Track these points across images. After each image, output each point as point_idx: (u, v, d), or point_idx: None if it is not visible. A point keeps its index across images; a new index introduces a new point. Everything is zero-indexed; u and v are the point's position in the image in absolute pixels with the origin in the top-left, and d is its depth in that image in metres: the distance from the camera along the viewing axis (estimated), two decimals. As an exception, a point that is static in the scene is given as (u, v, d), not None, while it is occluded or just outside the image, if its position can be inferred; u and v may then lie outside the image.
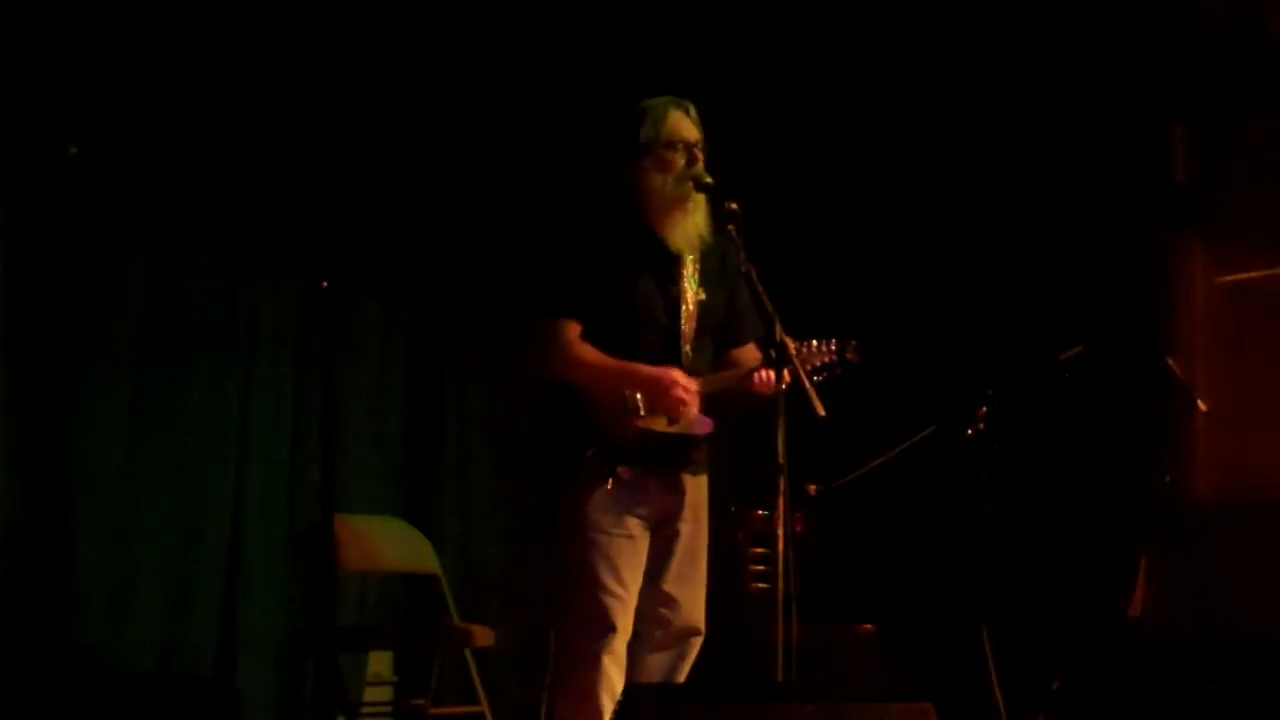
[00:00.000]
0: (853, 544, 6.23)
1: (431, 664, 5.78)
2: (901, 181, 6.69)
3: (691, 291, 4.38)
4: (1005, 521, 5.61)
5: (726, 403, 4.39)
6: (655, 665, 4.37)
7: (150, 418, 5.46)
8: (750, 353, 4.46)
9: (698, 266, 4.39)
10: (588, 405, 4.28)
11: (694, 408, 4.28)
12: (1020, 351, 5.87)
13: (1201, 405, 5.65)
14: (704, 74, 5.47)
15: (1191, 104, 6.37)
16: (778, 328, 4.16)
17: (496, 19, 6.18)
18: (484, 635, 5.59)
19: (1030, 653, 5.66)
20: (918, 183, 6.67)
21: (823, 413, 4.10)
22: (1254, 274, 6.25)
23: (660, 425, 4.29)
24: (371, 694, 5.84)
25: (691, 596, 4.41)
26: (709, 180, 4.30)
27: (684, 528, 4.39)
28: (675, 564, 4.38)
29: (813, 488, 5.83)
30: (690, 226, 4.34)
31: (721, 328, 4.45)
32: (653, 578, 4.36)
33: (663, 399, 4.26)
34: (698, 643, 4.42)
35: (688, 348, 4.36)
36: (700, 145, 4.34)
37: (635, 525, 4.31)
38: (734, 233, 4.23)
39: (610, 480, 4.26)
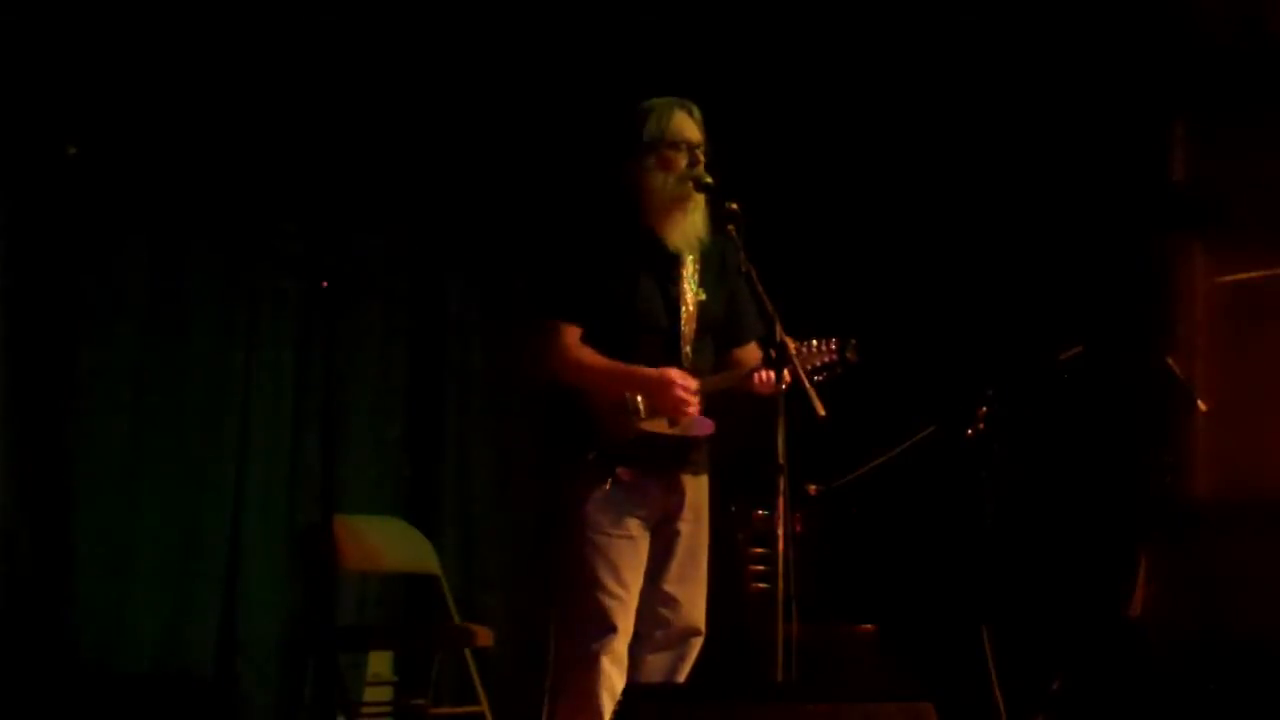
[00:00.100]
0: (853, 544, 6.23)
1: (431, 664, 5.78)
2: (901, 181, 6.68)
3: (691, 292, 4.38)
4: (1005, 521, 5.61)
5: (726, 403, 4.39)
6: (655, 666, 4.36)
7: (150, 418, 5.46)
8: (751, 352, 4.45)
9: (697, 267, 4.39)
10: (588, 408, 4.28)
11: (695, 407, 4.28)
12: (1020, 351, 5.87)
13: (1201, 405, 5.65)
14: (704, 74, 5.47)
15: (1191, 104, 6.36)
16: (778, 327, 4.16)
17: (497, 19, 6.18)
18: (484, 635, 5.59)
19: (1030, 653, 5.66)
20: (917, 183, 6.66)
21: (823, 412, 4.10)
22: (1254, 274, 6.25)
23: (660, 427, 4.29)
24: (371, 694, 5.83)
25: (692, 597, 4.41)
26: (709, 180, 4.30)
27: (684, 528, 4.39)
28: (675, 564, 4.38)
29: (813, 488, 5.83)
30: (690, 227, 4.34)
31: (722, 328, 4.45)
32: (653, 578, 4.35)
33: (663, 399, 4.25)
34: (698, 643, 4.42)
35: (688, 349, 4.36)
36: (703, 148, 4.34)
37: (635, 526, 4.31)
38: (734, 233, 4.23)
39: (610, 481, 4.26)
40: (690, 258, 4.38)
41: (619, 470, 4.26)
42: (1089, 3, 6.35)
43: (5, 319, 5.17)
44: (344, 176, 5.89)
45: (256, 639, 5.62)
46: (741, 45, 6.53)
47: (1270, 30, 6.16)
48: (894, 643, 5.95)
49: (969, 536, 5.68)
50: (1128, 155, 6.32)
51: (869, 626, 5.96)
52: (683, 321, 4.36)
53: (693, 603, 4.41)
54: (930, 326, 6.53)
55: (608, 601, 4.25)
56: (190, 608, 5.53)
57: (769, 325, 4.19)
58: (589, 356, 4.29)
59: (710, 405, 4.34)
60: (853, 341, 4.33)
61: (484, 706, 5.71)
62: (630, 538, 4.30)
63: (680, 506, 4.38)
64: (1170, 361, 5.66)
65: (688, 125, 4.35)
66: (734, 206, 4.24)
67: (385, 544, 5.77)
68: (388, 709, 5.81)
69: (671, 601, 4.37)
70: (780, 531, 4.12)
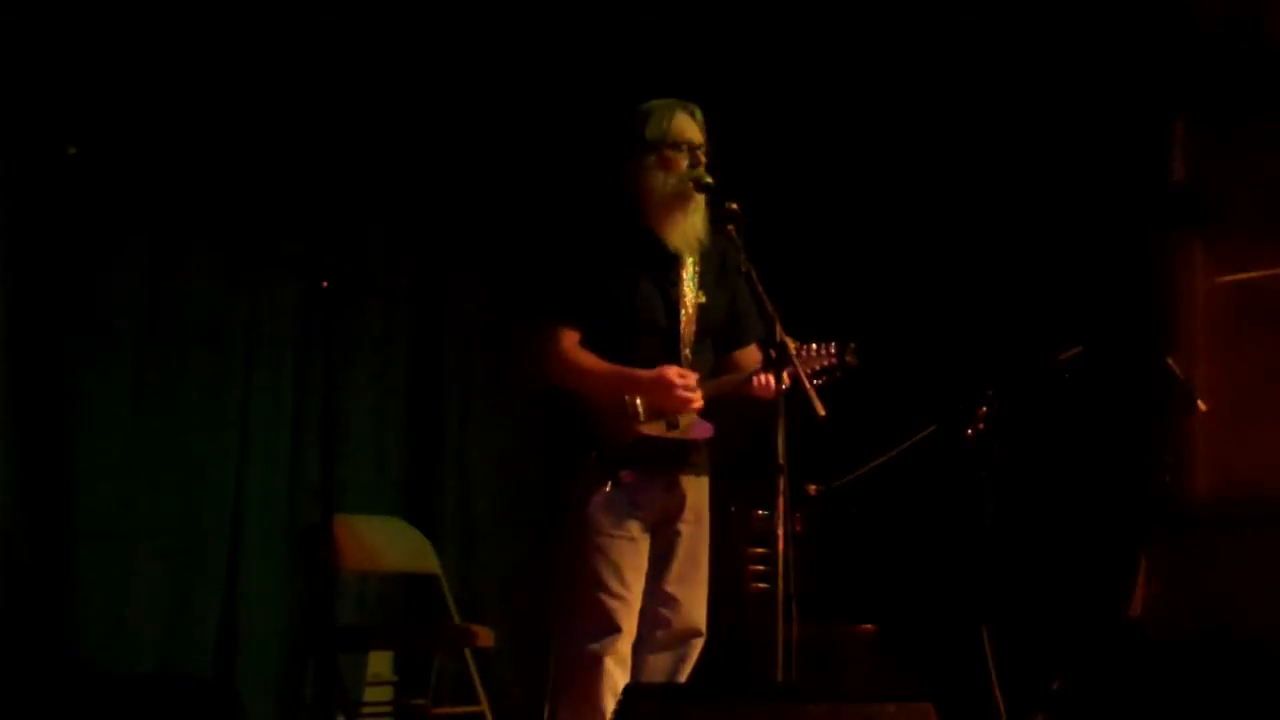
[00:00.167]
0: (853, 544, 6.23)
1: (431, 664, 5.79)
2: (901, 182, 6.69)
3: (691, 294, 4.37)
4: (1005, 521, 5.61)
5: (727, 404, 4.39)
6: (656, 666, 4.36)
7: (150, 417, 5.47)
8: (752, 354, 4.45)
9: (697, 268, 4.39)
10: (587, 411, 4.28)
11: (697, 400, 4.28)
12: (1020, 351, 5.87)
13: (1201, 405, 5.65)
14: (704, 74, 5.48)
15: (1191, 104, 6.36)
16: (778, 328, 4.16)
17: (497, 20, 6.18)
18: (484, 635, 5.59)
19: (1030, 653, 5.66)
20: (917, 183, 6.67)
21: (823, 413, 4.10)
22: (1254, 274, 6.25)
23: (659, 430, 4.28)
24: (371, 694, 5.84)
25: (692, 597, 4.40)
26: (709, 180, 4.30)
27: (685, 529, 4.39)
28: (676, 565, 4.38)
29: (813, 488, 5.83)
30: (690, 228, 4.33)
31: (722, 329, 4.44)
32: (654, 579, 4.35)
33: (664, 399, 4.25)
34: (699, 644, 4.41)
35: (687, 350, 4.35)
36: (704, 149, 4.33)
37: (636, 527, 4.31)
38: (734, 233, 4.23)
39: (611, 483, 4.26)
40: (690, 259, 4.38)
41: (620, 472, 4.26)
42: (1089, 3, 6.35)
43: (5, 319, 5.17)
44: (344, 177, 5.90)
45: (256, 639, 5.62)
46: (742, 46, 6.54)
47: (1269, 30, 6.16)
48: (894, 643, 5.95)
49: (969, 537, 5.68)
50: (1128, 155, 6.32)
51: (869, 626, 5.96)
52: (682, 323, 4.35)
53: (693, 603, 4.40)
54: (930, 327, 6.54)
55: (610, 602, 4.25)
56: (190, 608, 5.53)
57: (769, 326, 4.19)
58: (587, 360, 4.28)
59: (710, 406, 4.33)
60: (852, 345, 4.33)
61: (484, 706, 5.71)
62: (631, 539, 4.29)
63: (681, 508, 4.38)
64: (1170, 361, 5.66)
65: (689, 126, 4.34)
66: (734, 207, 4.23)
67: (385, 544, 5.77)
68: (388, 709, 5.82)
69: (672, 602, 4.37)
70: (780, 531, 4.11)
